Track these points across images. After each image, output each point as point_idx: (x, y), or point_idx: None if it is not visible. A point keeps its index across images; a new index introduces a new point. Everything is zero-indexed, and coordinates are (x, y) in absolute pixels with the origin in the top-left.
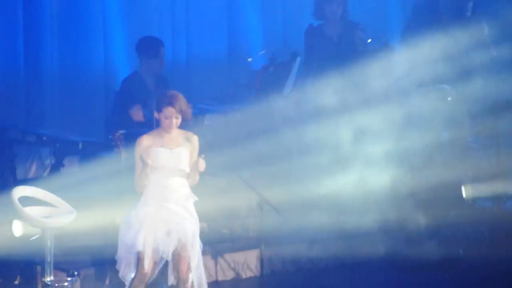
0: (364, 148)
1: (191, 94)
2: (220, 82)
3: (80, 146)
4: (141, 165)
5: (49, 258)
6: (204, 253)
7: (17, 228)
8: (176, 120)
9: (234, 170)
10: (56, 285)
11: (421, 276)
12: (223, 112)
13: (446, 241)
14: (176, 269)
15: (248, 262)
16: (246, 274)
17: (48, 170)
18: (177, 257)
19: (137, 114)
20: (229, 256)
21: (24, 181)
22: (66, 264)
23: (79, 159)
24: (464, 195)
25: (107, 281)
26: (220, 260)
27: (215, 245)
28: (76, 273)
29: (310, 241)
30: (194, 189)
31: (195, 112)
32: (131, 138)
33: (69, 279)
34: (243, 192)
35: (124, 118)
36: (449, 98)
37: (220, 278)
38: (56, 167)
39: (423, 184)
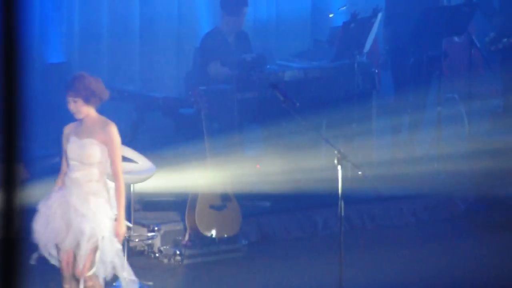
0: (442, 106)
1: (277, 51)
2: (302, 38)
3: (161, 102)
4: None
5: (130, 214)
6: (282, 209)
7: None
8: (74, 104)
9: (314, 127)
10: (137, 240)
11: (501, 235)
12: (303, 69)
13: None
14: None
15: (326, 219)
16: (324, 231)
17: (129, 126)
18: (70, 253)
19: (216, 70)
20: (307, 213)
21: None
22: (147, 220)
23: (160, 115)
24: None
25: (186, 237)
26: (299, 216)
27: (294, 201)
28: (156, 228)
29: (388, 199)
30: (275, 143)
31: (275, 69)
32: (212, 94)
33: (149, 234)
34: (322, 149)
35: (204, 75)
36: None
37: (299, 234)
38: (137, 123)
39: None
